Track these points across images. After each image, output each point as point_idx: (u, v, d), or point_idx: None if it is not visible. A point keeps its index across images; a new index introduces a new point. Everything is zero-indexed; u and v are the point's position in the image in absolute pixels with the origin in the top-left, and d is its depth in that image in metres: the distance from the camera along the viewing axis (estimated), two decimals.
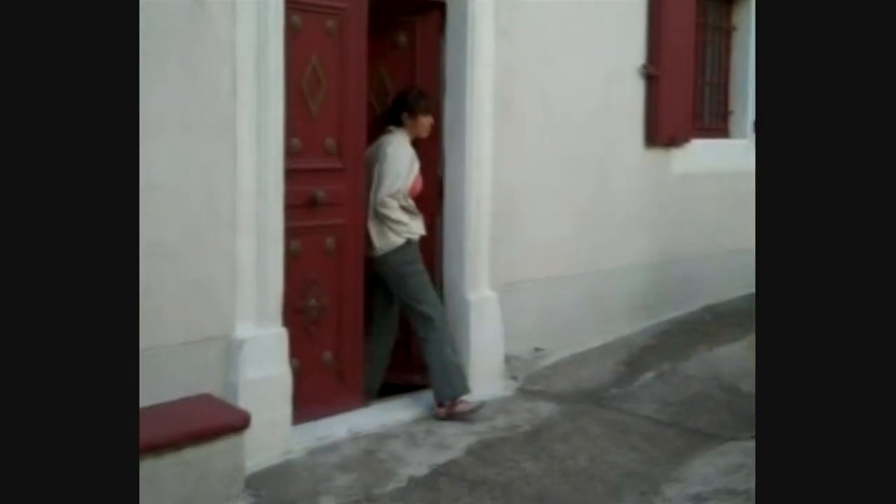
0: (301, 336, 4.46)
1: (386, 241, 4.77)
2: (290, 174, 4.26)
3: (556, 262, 5.75)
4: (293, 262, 4.37)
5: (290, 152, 4.29)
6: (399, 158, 4.79)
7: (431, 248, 5.16)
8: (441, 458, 4.29)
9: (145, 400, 3.71)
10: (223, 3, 3.97)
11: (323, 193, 4.54)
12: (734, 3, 7.54)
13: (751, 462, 3.78)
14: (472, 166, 5.11)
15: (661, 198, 6.53)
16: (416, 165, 4.85)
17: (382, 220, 4.75)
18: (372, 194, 4.78)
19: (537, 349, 5.64)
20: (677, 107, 6.55)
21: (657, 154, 6.49)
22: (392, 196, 4.73)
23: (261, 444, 3.98)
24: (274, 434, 4.12)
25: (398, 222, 4.75)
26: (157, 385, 3.78)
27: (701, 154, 6.85)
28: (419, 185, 4.87)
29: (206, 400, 3.94)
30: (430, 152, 5.14)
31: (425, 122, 4.92)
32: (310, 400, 4.42)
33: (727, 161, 7.12)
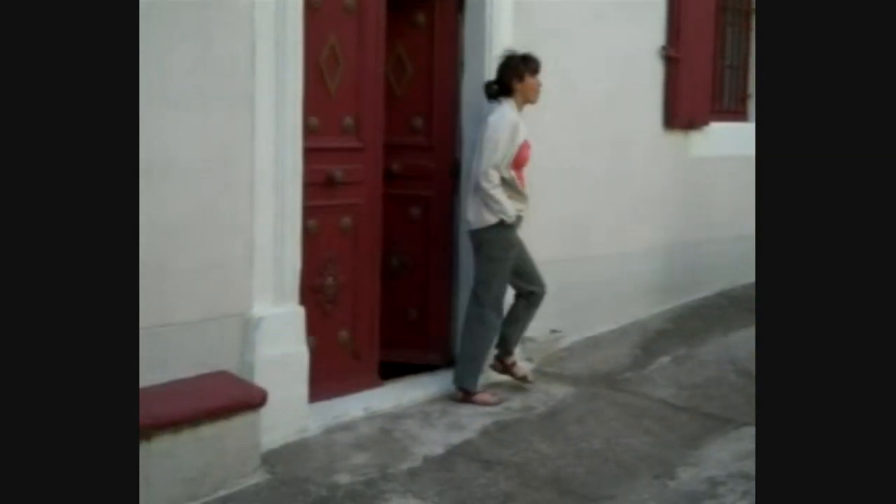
0: (317, 315, 4.47)
1: (479, 216, 4.65)
2: (308, 153, 4.25)
3: (572, 244, 5.73)
4: (310, 241, 4.37)
5: (307, 131, 4.27)
6: (499, 128, 4.60)
7: (448, 228, 5.15)
8: (456, 438, 4.30)
9: (163, 376, 3.76)
10: None
11: (340, 173, 4.53)
12: None
13: None
14: None
15: (678, 181, 6.49)
16: (521, 135, 4.65)
17: (481, 194, 4.62)
18: (474, 167, 4.68)
19: (553, 331, 5.62)
20: (696, 89, 6.50)
21: (675, 137, 6.45)
22: (494, 167, 4.58)
23: (277, 421, 4.00)
24: (290, 412, 4.14)
25: (494, 200, 4.59)
26: (174, 362, 3.80)
27: (719, 137, 6.79)
28: (526, 155, 4.70)
29: (223, 377, 3.95)
30: (446, 133, 5.12)
31: (534, 84, 4.75)
32: (326, 378, 4.43)
33: (746, 145, 6.99)
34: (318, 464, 3.96)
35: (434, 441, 4.25)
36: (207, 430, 3.63)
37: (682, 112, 6.36)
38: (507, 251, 4.71)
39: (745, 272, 6.99)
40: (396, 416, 4.51)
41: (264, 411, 3.85)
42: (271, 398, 3.86)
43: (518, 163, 4.68)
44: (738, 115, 7.37)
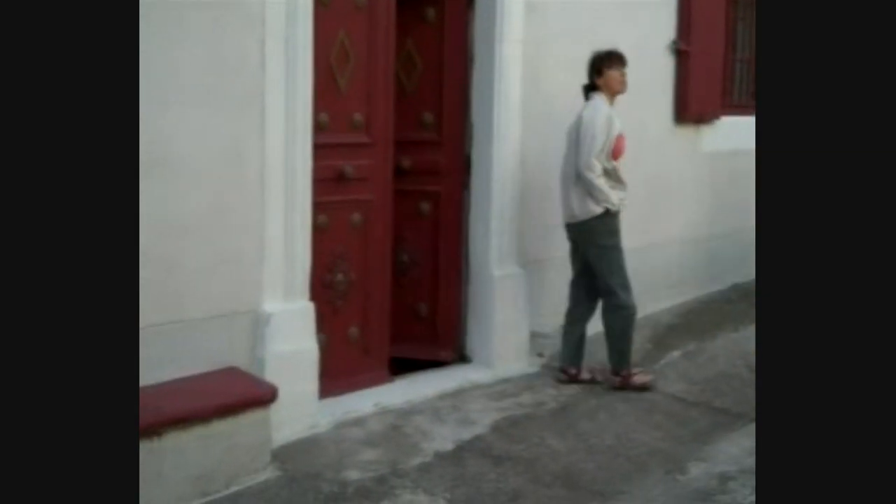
0: (328, 310, 4.47)
1: (585, 207, 4.77)
2: (318, 149, 4.26)
3: None
4: (320, 237, 4.37)
5: (317, 127, 4.28)
6: (593, 121, 4.72)
7: (458, 224, 5.15)
8: (466, 433, 4.30)
9: (173, 373, 3.77)
10: None
11: (350, 168, 4.53)
12: None
13: None
14: (500, 142, 5.07)
15: (689, 175, 6.47)
16: (616, 126, 4.78)
17: (585, 185, 4.73)
18: (575, 163, 4.77)
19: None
20: (707, 83, 6.46)
21: (686, 131, 6.43)
22: (596, 157, 4.69)
23: (287, 417, 4.01)
24: (300, 408, 4.15)
25: (598, 189, 4.71)
26: (184, 358, 3.82)
27: (730, 131, 6.75)
28: (622, 146, 4.82)
29: (233, 373, 3.96)
30: (456, 128, 5.12)
31: (615, 75, 4.85)
32: (336, 374, 4.44)
33: None
34: (328, 460, 3.97)
35: (444, 437, 4.26)
36: (218, 427, 3.64)
37: (692, 106, 6.34)
38: (615, 237, 4.85)
39: None
40: (407, 412, 4.52)
41: (275, 407, 3.86)
42: (282, 394, 3.88)
43: (615, 153, 4.80)
44: (749, 109, 7.31)
